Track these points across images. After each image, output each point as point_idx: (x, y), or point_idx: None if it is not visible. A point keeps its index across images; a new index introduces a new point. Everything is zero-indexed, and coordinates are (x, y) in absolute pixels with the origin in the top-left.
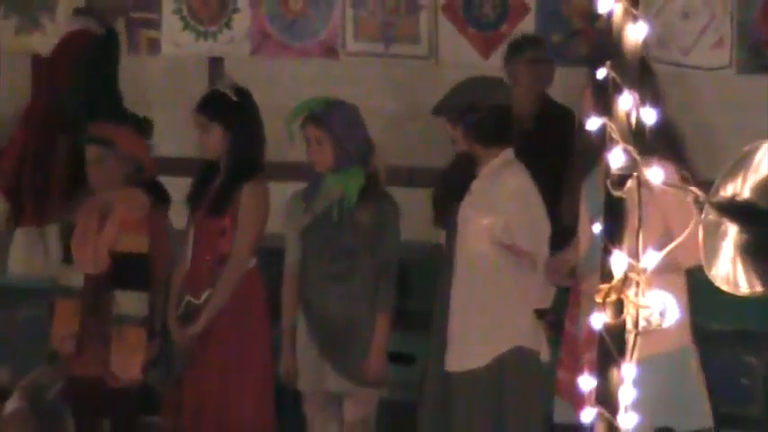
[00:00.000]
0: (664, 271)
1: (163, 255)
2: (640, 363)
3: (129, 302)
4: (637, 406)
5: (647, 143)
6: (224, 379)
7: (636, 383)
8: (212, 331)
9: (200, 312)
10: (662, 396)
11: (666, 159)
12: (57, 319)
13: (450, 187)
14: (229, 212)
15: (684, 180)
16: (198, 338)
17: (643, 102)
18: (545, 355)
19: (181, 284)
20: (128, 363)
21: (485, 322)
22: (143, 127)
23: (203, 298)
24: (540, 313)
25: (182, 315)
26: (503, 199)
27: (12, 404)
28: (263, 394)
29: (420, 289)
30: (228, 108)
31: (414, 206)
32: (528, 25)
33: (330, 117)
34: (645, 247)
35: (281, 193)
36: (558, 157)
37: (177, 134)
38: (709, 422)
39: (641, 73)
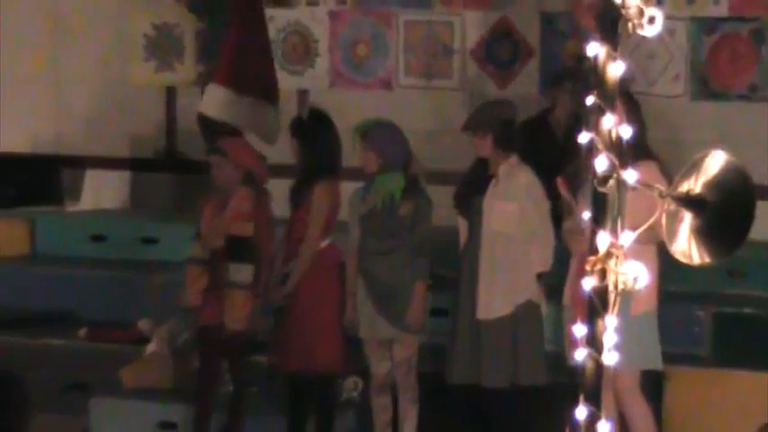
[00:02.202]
0: (645, 242)
1: (265, 237)
2: (634, 320)
3: (238, 272)
4: (632, 353)
5: (635, 151)
6: (304, 326)
7: (631, 335)
8: (297, 292)
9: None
10: (648, 344)
11: (651, 159)
12: (188, 280)
13: (471, 185)
14: (305, 206)
15: (665, 172)
16: (288, 297)
17: (629, 122)
18: (544, 308)
19: (281, 258)
20: (234, 317)
21: (506, 282)
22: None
23: (289, 268)
24: (540, 275)
25: (280, 280)
26: (518, 190)
27: (151, 347)
28: (333, 337)
29: (448, 260)
30: (301, 127)
31: (447, 199)
32: (533, 64)
33: (373, 133)
34: (627, 228)
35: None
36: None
37: (276, 145)
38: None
39: (629, 103)
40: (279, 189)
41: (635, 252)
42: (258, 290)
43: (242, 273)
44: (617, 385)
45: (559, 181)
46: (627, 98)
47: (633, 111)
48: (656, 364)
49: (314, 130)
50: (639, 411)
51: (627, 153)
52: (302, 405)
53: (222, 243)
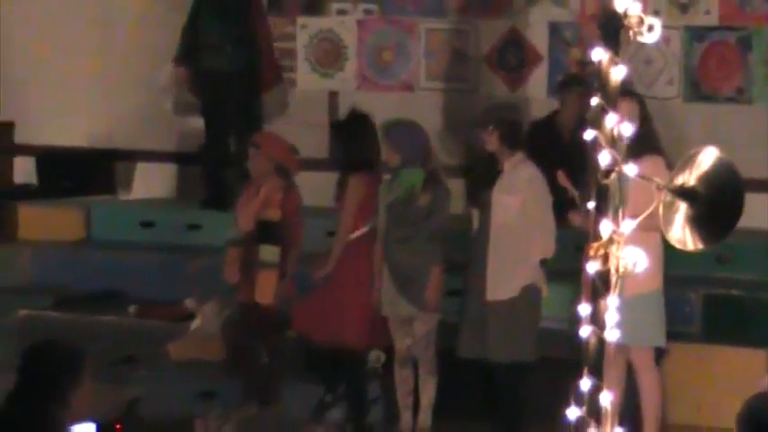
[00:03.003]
0: (649, 230)
1: (292, 223)
2: (641, 297)
3: (267, 253)
4: (637, 328)
5: (644, 146)
6: (338, 306)
7: (636, 313)
8: (333, 275)
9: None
10: (654, 321)
11: (658, 154)
12: (227, 259)
13: (482, 179)
14: (342, 198)
15: (670, 166)
16: (325, 279)
17: (638, 119)
18: (545, 292)
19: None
20: (262, 293)
21: (511, 267)
22: None
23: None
24: (542, 261)
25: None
26: (521, 184)
27: (196, 324)
28: (358, 314)
29: (461, 246)
30: (339, 126)
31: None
32: (541, 69)
33: (393, 132)
34: (630, 217)
35: None
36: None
37: (309, 141)
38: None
39: (637, 102)
40: (317, 181)
41: (640, 238)
42: (285, 269)
43: (270, 254)
44: (632, 357)
45: (560, 174)
46: (635, 98)
47: (641, 109)
48: (660, 341)
49: (348, 129)
50: (649, 382)
51: (634, 147)
52: (333, 375)
53: (253, 227)
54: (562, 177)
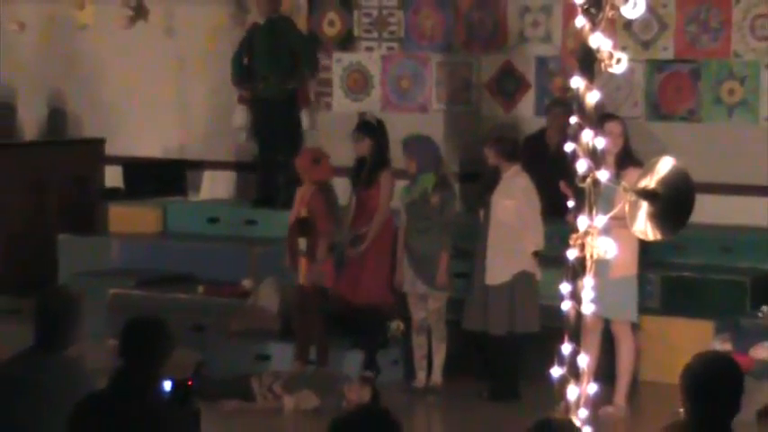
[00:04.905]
0: (624, 227)
1: (320, 218)
2: (621, 280)
3: (300, 243)
4: (619, 306)
5: (628, 158)
6: (367, 272)
7: (618, 292)
8: (366, 249)
9: (361, 239)
10: (631, 300)
11: (639, 166)
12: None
13: (486, 185)
14: (375, 187)
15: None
16: (359, 253)
17: (624, 138)
18: (539, 276)
19: (350, 225)
20: (301, 275)
21: (506, 256)
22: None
23: (361, 231)
24: (535, 253)
25: (351, 241)
26: (516, 191)
27: (252, 300)
28: (385, 284)
29: (467, 237)
30: (372, 128)
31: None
32: (531, 94)
33: (411, 144)
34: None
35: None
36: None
37: (343, 152)
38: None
39: (623, 125)
40: (347, 183)
41: (622, 234)
42: (314, 256)
43: (301, 244)
44: (614, 329)
45: (562, 184)
46: (621, 120)
47: (624, 129)
48: (633, 316)
49: (380, 131)
50: (626, 347)
51: (621, 161)
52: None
53: (292, 223)
54: (564, 187)
